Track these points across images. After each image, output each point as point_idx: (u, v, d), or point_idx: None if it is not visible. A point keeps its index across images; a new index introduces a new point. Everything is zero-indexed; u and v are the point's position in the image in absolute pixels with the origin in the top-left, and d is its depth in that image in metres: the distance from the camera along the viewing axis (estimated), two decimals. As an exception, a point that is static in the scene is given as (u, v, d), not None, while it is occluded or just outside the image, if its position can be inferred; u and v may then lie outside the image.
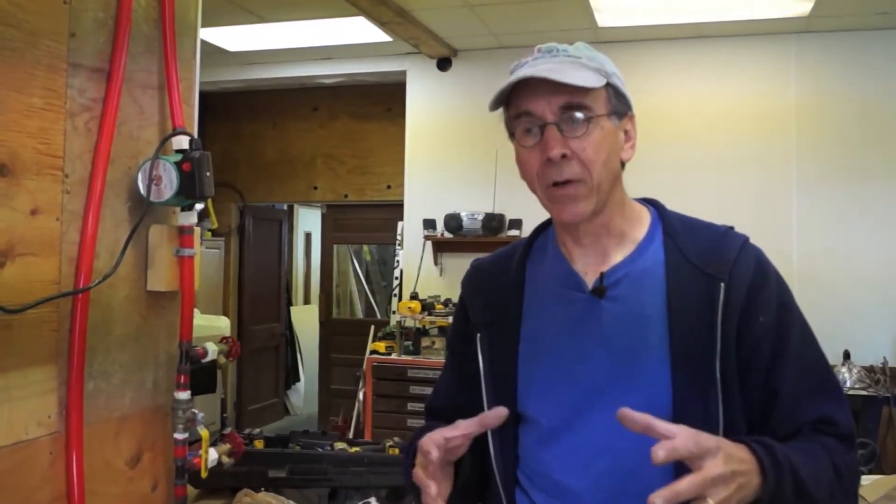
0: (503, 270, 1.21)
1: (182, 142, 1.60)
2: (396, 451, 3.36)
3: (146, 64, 1.61)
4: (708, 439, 0.88)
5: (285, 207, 7.63)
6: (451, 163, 5.34)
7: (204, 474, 1.68)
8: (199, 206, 1.65)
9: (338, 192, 6.46)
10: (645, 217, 1.15)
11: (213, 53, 5.31)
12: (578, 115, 1.04)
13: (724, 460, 0.87)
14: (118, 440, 1.55)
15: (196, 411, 1.65)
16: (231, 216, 6.69)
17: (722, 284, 1.05)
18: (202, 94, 1.83)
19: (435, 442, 1.00)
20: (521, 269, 1.19)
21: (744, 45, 4.78)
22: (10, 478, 1.31)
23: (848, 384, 4.14)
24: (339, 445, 3.42)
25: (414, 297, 4.95)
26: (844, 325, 4.36)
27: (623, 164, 1.11)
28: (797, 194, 4.69)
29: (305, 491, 3.27)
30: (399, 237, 5.67)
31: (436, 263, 5.35)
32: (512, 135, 1.11)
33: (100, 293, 1.47)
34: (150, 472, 1.63)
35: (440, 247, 5.32)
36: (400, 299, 5.34)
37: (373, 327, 5.55)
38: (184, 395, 1.64)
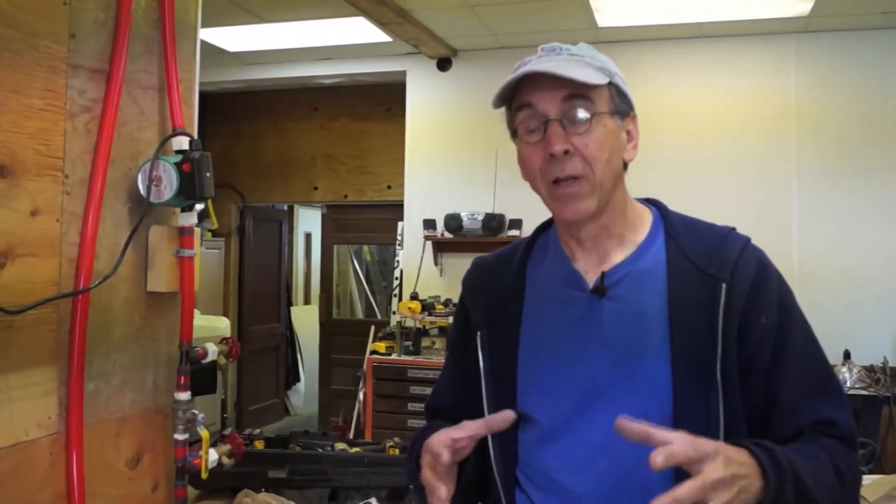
0: (504, 270, 1.21)
1: (182, 142, 1.60)
2: (397, 451, 3.36)
3: (146, 65, 1.61)
4: (706, 444, 0.88)
5: (285, 208, 7.63)
6: (452, 163, 5.34)
7: (204, 475, 1.68)
8: (199, 207, 1.65)
9: (338, 192, 6.46)
10: (647, 217, 1.15)
11: (213, 54, 5.31)
12: (581, 111, 1.04)
13: (724, 464, 0.87)
14: (118, 441, 1.55)
15: (196, 412, 1.65)
16: (231, 216, 6.69)
17: (723, 285, 1.04)
18: (202, 95, 1.83)
19: (443, 443, 1.00)
20: (522, 269, 1.19)
21: (744, 44, 4.78)
22: (11, 479, 1.31)
23: (848, 384, 4.14)
24: (340, 446, 3.42)
25: (414, 297, 4.95)
26: (844, 324, 4.36)
27: (625, 165, 1.11)
28: (797, 194, 4.69)
29: (306, 491, 3.27)
30: (399, 237, 5.67)
31: (436, 264, 5.35)
32: (514, 133, 1.11)
33: (100, 294, 1.47)
34: (150, 472, 1.63)
35: (440, 247, 5.32)
36: (400, 299, 5.34)
37: (373, 327, 5.55)
38: (184, 395, 1.64)
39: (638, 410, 1.02)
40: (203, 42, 1.83)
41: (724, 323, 1.03)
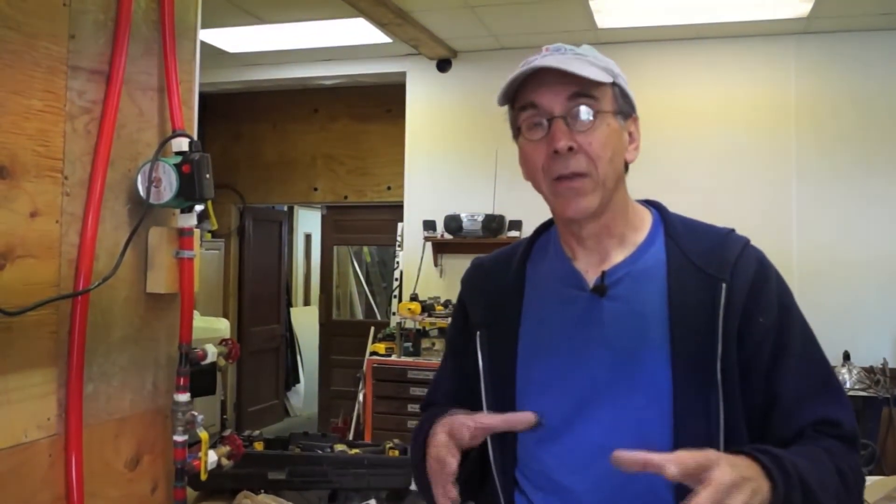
0: (503, 270, 1.21)
1: (182, 144, 1.60)
2: (396, 452, 3.36)
3: (146, 66, 1.61)
4: (708, 451, 0.87)
5: (285, 209, 7.63)
6: (451, 164, 5.34)
7: (203, 476, 1.68)
8: (198, 208, 1.65)
9: (338, 193, 6.46)
10: (647, 218, 1.15)
11: (212, 55, 5.31)
12: (585, 109, 1.04)
13: (730, 466, 0.86)
14: (118, 442, 1.55)
15: (196, 413, 1.65)
16: (231, 217, 6.69)
17: (723, 285, 1.05)
18: (202, 96, 1.83)
19: (464, 424, 1.02)
20: (522, 269, 1.19)
21: (743, 46, 4.78)
22: (10, 480, 1.31)
23: (848, 385, 4.14)
24: (339, 447, 3.41)
25: (414, 298, 4.94)
26: (844, 325, 4.36)
27: (626, 166, 1.12)
28: (797, 195, 4.69)
29: (305, 493, 3.26)
30: (399, 238, 5.67)
31: (436, 265, 5.35)
32: (517, 132, 1.11)
33: (99, 295, 1.47)
34: (149, 474, 1.63)
35: (440, 248, 5.32)
36: (400, 300, 5.34)
37: (373, 328, 5.54)
38: (183, 397, 1.64)
39: (638, 410, 1.03)
40: (203, 43, 1.83)
41: (725, 323, 1.03)
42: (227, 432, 1.84)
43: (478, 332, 1.17)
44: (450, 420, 1.04)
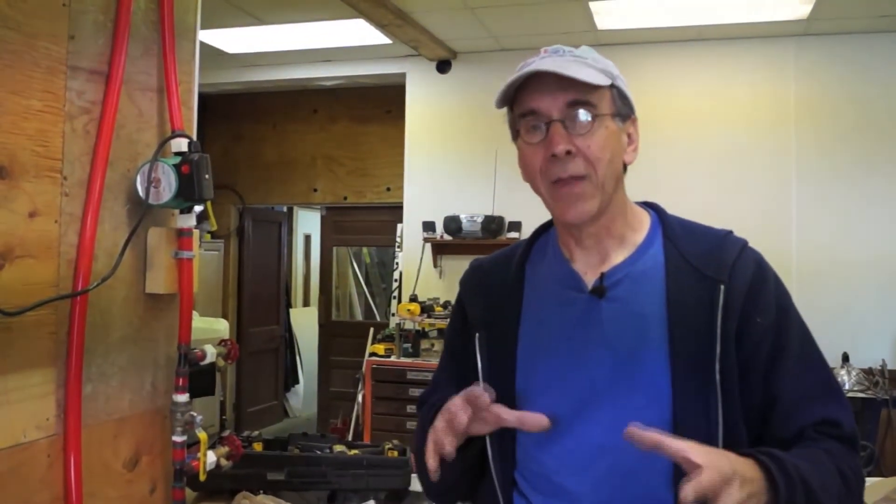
0: (502, 271, 1.21)
1: (181, 144, 1.59)
2: (396, 453, 3.35)
3: (145, 66, 1.61)
4: (723, 464, 0.87)
5: (285, 209, 7.63)
6: (451, 165, 5.34)
7: (202, 477, 1.68)
8: (198, 209, 1.65)
9: (337, 194, 6.46)
10: (645, 220, 1.15)
11: (212, 55, 5.31)
12: (584, 112, 1.04)
13: (740, 486, 0.86)
14: (116, 442, 1.55)
15: (194, 414, 1.65)
16: (230, 218, 6.69)
17: (721, 286, 1.05)
18: (201, 96, 1.83)
19: (484, 399, 1.01)
20: (521, 270, 1.19)
21: (743, 47, 4.78)
22: (9, 480, 1.31)
23: (847, 386, 4.14)
24: (338, 448, 3.41)
25: (413, 299, 4.94)
26: (843, 327, 4.36)
27: (625, 168, 1.12)
28: (797, 195, 4.69)
29: (304, 493, 3.26)
30: (398, 239, 5.67)
31: (435, 266, 5.35)
32: (515, 134, 1.11)
33: (98, 295, 1.47)
34: (148, 474, 1.63)
35: (439, 249, 5.32)
36: (399, 301, 5.34)
37: (372, 329, 5.54)
38: (182, 397, 1.64)
39: (637, 411, 1.02)
40: (202, 44, 1.83)
41: (723, 323, 1.03)
42: (226, 433, 1.84)
43: (477, 334, 1.17)
44: (470, 389, 1.03)
